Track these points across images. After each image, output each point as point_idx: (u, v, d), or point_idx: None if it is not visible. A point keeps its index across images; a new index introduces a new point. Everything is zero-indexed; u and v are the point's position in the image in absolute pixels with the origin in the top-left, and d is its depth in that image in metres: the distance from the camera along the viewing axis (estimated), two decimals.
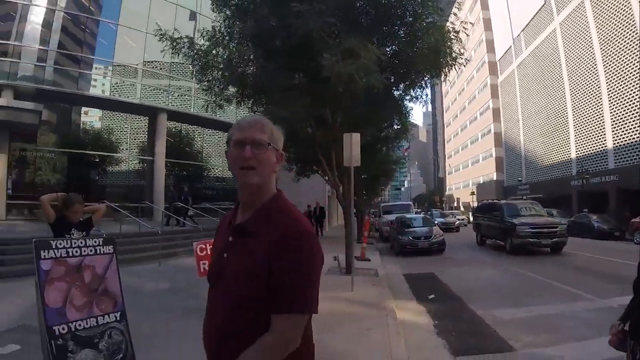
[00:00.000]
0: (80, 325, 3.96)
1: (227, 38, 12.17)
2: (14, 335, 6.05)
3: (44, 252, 3.93)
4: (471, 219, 33.79)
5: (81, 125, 25.19)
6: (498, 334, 6.84)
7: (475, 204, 60.67)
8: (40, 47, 21.51)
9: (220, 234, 1.95)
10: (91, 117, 25.48)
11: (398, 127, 18.29)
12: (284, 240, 1.62)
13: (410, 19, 11.63)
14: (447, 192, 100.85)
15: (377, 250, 19.44)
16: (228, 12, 12.09)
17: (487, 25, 67.88)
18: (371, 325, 6.85)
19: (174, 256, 14.37)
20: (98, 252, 4.32)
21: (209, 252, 6.93)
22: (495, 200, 24.13)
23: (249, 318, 1.65)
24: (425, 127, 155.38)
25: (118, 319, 4.38)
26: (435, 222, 27.89)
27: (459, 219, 40.67)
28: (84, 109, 24.89)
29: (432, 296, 10.07)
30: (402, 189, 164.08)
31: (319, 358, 1.84)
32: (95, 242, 4.34)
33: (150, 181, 24.72)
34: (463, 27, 12.64)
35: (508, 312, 8.23)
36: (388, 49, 12.02)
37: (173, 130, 27.62)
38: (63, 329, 3.83)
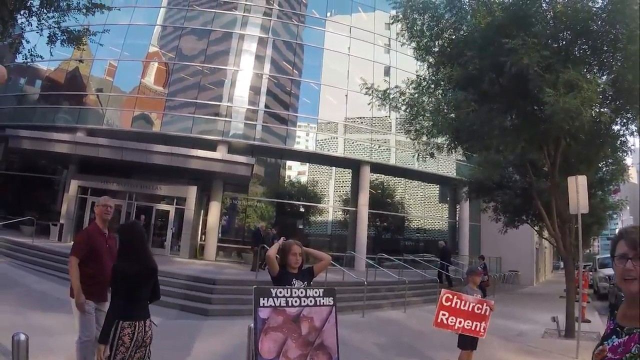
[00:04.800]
0: None
1: (432, 86, 12.27)
2: None
3: (263, 299, 3.91)
4: None
5: (287, 177, 27.51)
6: None
7: None
8: (250, 107, 24.62)
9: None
10: (297, 170, 27.67)
11: (614, 167, 16.30)
12: None
13: (625, 41, 10.41)
14: None
15: (595, 309, 16.91)
16: (431, 60, 12.23)
17: None
18: None
19: (377, 308, 14.08)
20: (318, 303, 4.16)
21: (454, 305, 6.17)
22: None
23: None
24: (635, 167, 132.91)
25: None
26: None
27: None
28: (289, 162, 27.23)
29: None
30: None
31: None
32: (316, 292, 4.20)
33: (353, 231, 25.33)
34: None
35: None
36: (604, 79, 10.90)
37: (375, 182, 27.96)
38: None
